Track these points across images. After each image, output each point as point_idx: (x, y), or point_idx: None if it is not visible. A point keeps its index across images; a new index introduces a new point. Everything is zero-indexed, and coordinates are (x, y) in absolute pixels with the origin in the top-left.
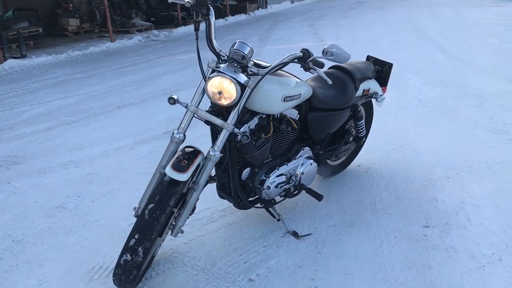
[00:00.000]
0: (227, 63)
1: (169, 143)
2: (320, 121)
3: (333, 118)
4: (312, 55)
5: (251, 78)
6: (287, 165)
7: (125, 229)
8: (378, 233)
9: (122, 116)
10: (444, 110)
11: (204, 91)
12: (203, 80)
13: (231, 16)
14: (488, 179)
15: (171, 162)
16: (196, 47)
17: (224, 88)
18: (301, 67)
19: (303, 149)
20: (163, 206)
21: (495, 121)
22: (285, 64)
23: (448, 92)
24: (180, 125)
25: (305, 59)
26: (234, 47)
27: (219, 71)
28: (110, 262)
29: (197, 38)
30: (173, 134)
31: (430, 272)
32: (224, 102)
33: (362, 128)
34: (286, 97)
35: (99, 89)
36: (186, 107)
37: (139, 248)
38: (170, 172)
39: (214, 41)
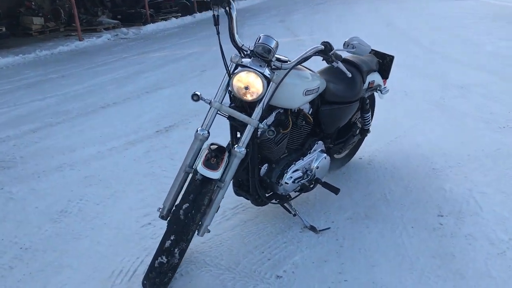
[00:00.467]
0: (251, 57)
1: (193, 141)
2: (332, 115)
3: (344, 111)
4: (333, 48)
5: (275, 73)
6: (303, 159)
7: (138, 231)
8: (395, 224)
9: (109, 116)
10: (431, 101)
11: (227, 87)
12: (226, 75)
13: (199, 13)
14: (488, 167)
15: (201, 160)
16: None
17: (250, 83)
18: (323, 60)
19: (316, 143)
20: (198, 205)
21: (482, 111)
22: (307, 58)
23: (431, 83)
24: (203, 122)
25: (327, 52)
26: (260, 41)
27: (246, 66)
28: (129, 266)
29: (218, 33)
30: (197, 131)
31: (454, 260)
32: (250, 97)
33: (368, 121)
34: (307, 90)
35: (77, 89)
36: (209, 103)
37: (176, 250)
38: (203, 170)
39: (236, 35)
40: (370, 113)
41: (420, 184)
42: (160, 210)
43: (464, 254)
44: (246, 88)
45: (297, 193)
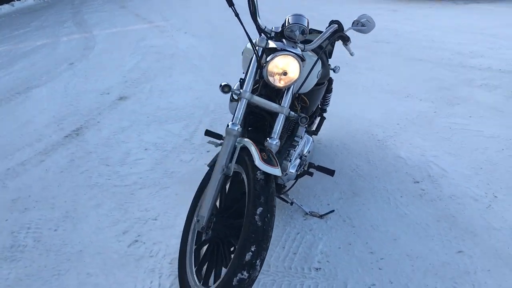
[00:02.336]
0: (283, 39)
1: (227, 138)
2: (315, 96)
3: (320, 91)
4: (343, 27)
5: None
6: (298, 146)
7: (128, 252)
8: (384, 196)
9: None
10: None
11: (255, 74)
12: (253, 61)
13: (17, 0)
14: (422, 132)
15: (258, 157)
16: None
17: (289, 67)
18: (338, 39)
19: (300, 128)
20: (271, 207)
21: (381, 84)
22: (328, 39)
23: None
24: (234, 115)
25: (341, 31)
26: (293, 21)
27: (281, 49)
28: None
29: (237, 15)
30: (229, 127)
31: (458, 220)
32: (283, 83)
33: (329, 101)
34: (319, 72)
35: None
36: (239, 95)
37: (257, 261)
38: (266, 168)
39: (258, 18)
40: (331, 93)
41: (378, 156)
42: (198, 222)
43: (461, 213)
44: (285, 73)
45: (294, 181)
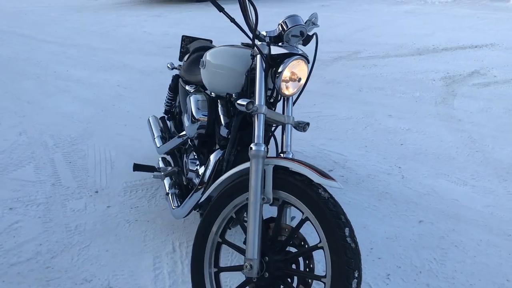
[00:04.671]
0: (283, 42)
1: (254, 162)
2: None
3: None
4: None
5: None
6: None
7: None
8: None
9: None
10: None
11: (266, 83)
12: (260, 71)
13: None
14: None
15: (313, 173)
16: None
17: (302, 72)
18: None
19: None
20: (351, 224)
21: None
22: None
23: None
24: (254, 134)
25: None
26: (292, 23)
27: (299, 54)
28: None
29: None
30: (253, 149)
31: (393, 195)
32: (291, 90)
33: None
34: None
35: None
36: (255, 111)
37: (360, 285)
38: (330, 183)
39: (251, 21)
40: None
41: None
42: (250, 268)
43: (389, 189)
44: (299, 80)
45: None
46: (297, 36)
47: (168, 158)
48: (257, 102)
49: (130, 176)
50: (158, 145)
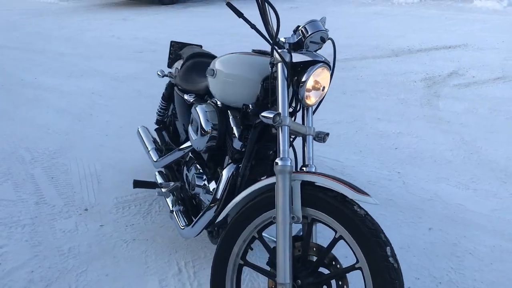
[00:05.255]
0: (303, 48)
1: (281, 178)
2: None
3: None
4: None
5: None
6: None
7: None
8: None
9: None
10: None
11: (288, 94)
12: (283, 80)
13: None
14: None
15: (347, 188)
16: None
17: (325, 80)
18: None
19: None
20: (390, 243)
21: None
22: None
23: None
24: (278, 148)
25: None
26: (312, 29)
27: (322, 61)
28: None
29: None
30: (278, 164)
31: (397, 202)
32: (314, 99)
33: None
34: None
35: None
36: (279, 123)
37: None
38: (364, 198)
39: (270, 27)
40: None
41: None
42: None
43: (392, 195)
44: (323, 88)
45: None
46: (317, 42)
47: (163, 171)
48: (282, 114)
49: (120, 191)
50: (155, 159)
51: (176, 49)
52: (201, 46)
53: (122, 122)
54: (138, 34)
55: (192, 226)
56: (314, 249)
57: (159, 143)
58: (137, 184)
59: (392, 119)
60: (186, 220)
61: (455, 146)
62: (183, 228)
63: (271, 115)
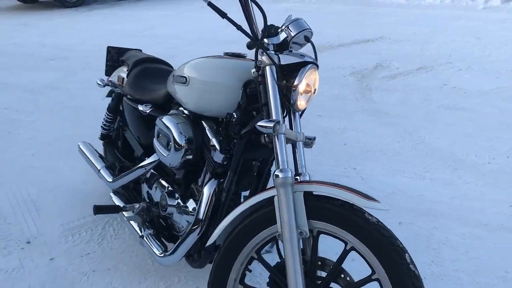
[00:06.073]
0: (288, 48)
1: (283, 192)
2: None
3: None
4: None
5: None
6: None
7: None
8: None
9: None
10: None
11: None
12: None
13: None
14: None
15: (357, 195)
16: None
17: (316, 82)
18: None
19: None
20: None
21: None
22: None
23: None
24: (278, 159)
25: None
26: (297, 28)
27: (312, 62)
28: None
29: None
30: (279, 176)
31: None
32: (304, 103)
33: None
34: None
35: None
36: (275, 132)
37: None
38: (377, 205)
39: (254, 26)
40: None
41: None
42: None
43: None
44: (315, 91)
45: None
46: (299, 43)
47: (119, 191)
48: (281, 122)
49: (64, 217)
50: (109, 179)
51: (113, 55)
52: (140, 50)
53: (50, 138)
54: (45, 41)
55: (173, 252)
56: (320, 263)
57: (108, 161)
58: (99, 210)
59: (333, 115)
60: (161, 246)
61: (400, 137)
62: (162, 256)
63: (271, 124)
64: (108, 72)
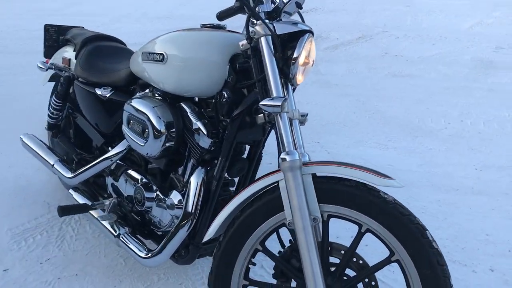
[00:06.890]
0: (280, 15)
1: (291, 176)
2: None
3: None
4: None
5: None
6: None
7: None
8: None
9: None
10: None
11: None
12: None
13: None
14: None
15: (371, 173)
16: None
17: (314, 52)
18: None
19: None
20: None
21: None
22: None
23: None
24: (281, 140)
25: None
26: None
27: (309, 31)
28: None
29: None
30: (286, 160)
31: None
32: (301, 77)
33: None
34: None
35: None
36: (283, 110)
37: None
38: (392, 182)
39: None
40: None
41: None
42: None
43: None
44: (313, 63)
45: None
46: (289, 12)
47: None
48: (286, 102)
49: (11, 220)
50: (68, 174)
51: (52, 34)
52: (83, 28)
53: None
54: None
55: (160, 252)
56: (330, 248)
57: (61, 154)
58: (65, 211)
59: None
60: (143, 245)
61: (355, 108)
62: (148, 257)
63: (278, 102)
64: (48, 54)
